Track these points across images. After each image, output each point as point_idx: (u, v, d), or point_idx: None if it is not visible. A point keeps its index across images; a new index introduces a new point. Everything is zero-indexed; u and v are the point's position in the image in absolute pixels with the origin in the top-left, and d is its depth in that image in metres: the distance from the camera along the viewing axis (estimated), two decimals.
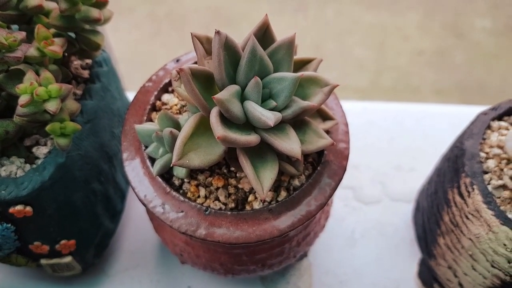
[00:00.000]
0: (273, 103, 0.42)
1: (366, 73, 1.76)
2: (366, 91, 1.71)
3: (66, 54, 0.55)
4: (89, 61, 0.59)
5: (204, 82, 0.42)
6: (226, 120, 0.41)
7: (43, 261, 0.57)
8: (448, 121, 0.80)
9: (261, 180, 0.42)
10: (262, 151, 0.44)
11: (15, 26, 0.55)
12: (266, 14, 0.44)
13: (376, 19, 1.94)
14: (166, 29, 1.91)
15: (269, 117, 0.40)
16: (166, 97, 0.54)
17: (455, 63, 1.79)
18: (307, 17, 1.93)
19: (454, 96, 1.69)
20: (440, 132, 0.77)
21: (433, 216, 0.58)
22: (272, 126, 0.40)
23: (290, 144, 0.42)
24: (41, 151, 0.51)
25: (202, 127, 0.43)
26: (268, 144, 0.43)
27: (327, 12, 1.96)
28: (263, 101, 0.43)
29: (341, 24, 1.92)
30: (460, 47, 1.84)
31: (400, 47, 1.84)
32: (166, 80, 0.54)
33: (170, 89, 0.55)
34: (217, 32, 0.40)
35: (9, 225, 0.51)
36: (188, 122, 0.42)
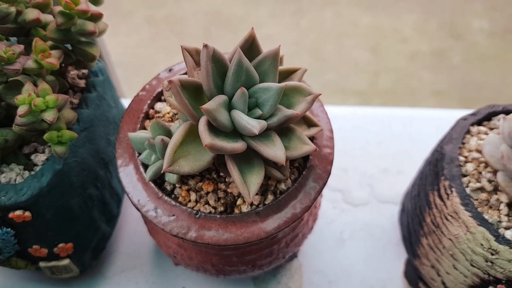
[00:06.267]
0: (259, 111, 0.45)
1: (364, 75, 1.77)
2: (364, 93, 1.73)
3: (63, 64, 0.58)
4: (85, 71, 0.62)
5: (193, 92, 0.45)
6: (214, 128, 0.44)
7: (42, 264, 0.59)
8: (434, 125, 0.82)
9: (247, 184, 0.44)
10: (249, 157, 0.46)
11: (14, 39, 0.57)
12: (253, 28, 0.46)
13: (374, 21, 1.96)
14: (165, 33, 1.93)
15: (254, 126, 0.42)
16: (159, 105, 0.56)
17: (453, 64, 1.80)
18: (305, 20, 1.94)
19: (452, 97, 1.71)
20: (427, 136, 0.79)
21: (416, 217, 0.60)
22: (257, 134, 0.42)
23: (275, 150, 0.44)
24: (39, 158, 0.53)
25: (192, 135, 0.45)
26: (254, 151, 0.45)
27: (325, 15, 1.97)
28: (249, 110, 0.45)
29: (339, 26, 1.94)
30: (458, 48, 1.85)
31: (398, 48, 1.86)
32: (159, 89, 0.56)
33: (163, 98, 0.57)
34: (205, 46, 0.42)
35: (9, 229, 0.53)
36: (178, 130, 0.44)
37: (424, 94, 1.73)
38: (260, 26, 1.76)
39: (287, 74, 0.51)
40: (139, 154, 0.51)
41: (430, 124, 0.82)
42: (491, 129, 0.57)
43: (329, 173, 0.51)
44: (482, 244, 0.48)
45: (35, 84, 0.50)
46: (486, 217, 0.49)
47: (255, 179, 0.45)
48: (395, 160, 0.78)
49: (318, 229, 0.71)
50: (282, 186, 0.50)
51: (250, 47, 0.47)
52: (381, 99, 1.71)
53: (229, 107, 0.45)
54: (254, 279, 0.66)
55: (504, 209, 0.50)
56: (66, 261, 0.59)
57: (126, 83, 1.18)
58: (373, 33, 1.91)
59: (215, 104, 0.43)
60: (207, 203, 0.49)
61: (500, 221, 0.49)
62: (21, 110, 0.47)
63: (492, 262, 0.48)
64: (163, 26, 1.96)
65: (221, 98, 0.44)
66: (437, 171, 0.54)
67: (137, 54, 1.86)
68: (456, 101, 1.69)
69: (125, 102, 0.77)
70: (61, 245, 0.57)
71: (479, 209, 0.50)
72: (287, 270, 0.67)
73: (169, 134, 0.48)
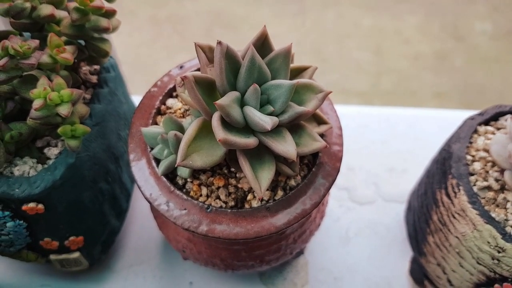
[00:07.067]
0: (270, 108, 0.45)
1: (366, 76, 1.78)
2: (366, 94, 1.73)
3: (76, 60, 0.58)
4: (97, 67, 0.62)
5: (207, 89, 0.45)
6: (227, 124, 0.44)
7: (52, 257, 0.60)
8: (438, 124, 0.82)
9: (259, 180, 0.45)
10: (260, 153, 0.46)
11: (27, 34, 0.58)
12: (265, 25, 0.47)
13: (376, 22, 1.96)
14: (168, 33, 1.93)
15: (267, 122, 0.43)
16: (170, 101, 0.57)
17: (455, 67, 1.80)
18: (307, 21, 1.95)
19: (454, 99, 1.71)
20: (431, 136, 0.80)
21: (423, 215, 0.60)
22: (269, 130, 0.42)
23: (286, 146, 0.44)
24: (52, 152, 0.54)
25: (205, 130, 0.46)
26: (266, 147, 0.45)
27: (327, 16, 1.98)
28: (261, 106, 0.46)
29: (341, 27, 1.94)
30: (460, 50, 1.85)
31: (400, 50, 1.86)
32: (171, 86, 0.57)
33: (174, 94, 0.58)
34: (219, 43, 0.43)
35: (21, 221, 0.53)
36: (191, 125, 0.45)
37: (426, 95, 1.73)
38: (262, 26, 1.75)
39: (298, 72, 0.51)
40: (151, 149, 0.52)
41: (435, 124, 0.83)
42: (498, 129, 0.57)
43: (338, 170, 0.51)
44: (489, 242, 0.49)
45: (50, 79, 0.50)
46: (493, 215, 0.50)
47: (266, 174, 0.45)
48: (400, 159, 0.79)
49: (324, 226, 0.71)
50: (292, 182, 0.51)
51: (262, 44, 0.48)
52: (382, 100, 1.71)
53: (242, 103, 0.46)
54: (261, 274, 0.67)
55: (511, 207, 0.50)
56: (76, 254, 0.60)
57: (128, 82, 1.18)
58: (375, 34, 1.92)
59: (228, 100, 0.44)
60: (218, 197, 0.50)
61: (507, 220, 0.50)
62: (37, 103, 0.47)
63: (498, 260, 0.49)
64: (165, 25, 1.96)
65: (234, 94, 0.45)
66: (445, 169, 0.55)
67: (139, 53, 1.86)
68: (457, 103, 1.70)
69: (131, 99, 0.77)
70: (72, 238, 0.58)
71: (486, 208, 0.51)
72: (293, 267, 0.67)
73: (181, 129, 0.49)
